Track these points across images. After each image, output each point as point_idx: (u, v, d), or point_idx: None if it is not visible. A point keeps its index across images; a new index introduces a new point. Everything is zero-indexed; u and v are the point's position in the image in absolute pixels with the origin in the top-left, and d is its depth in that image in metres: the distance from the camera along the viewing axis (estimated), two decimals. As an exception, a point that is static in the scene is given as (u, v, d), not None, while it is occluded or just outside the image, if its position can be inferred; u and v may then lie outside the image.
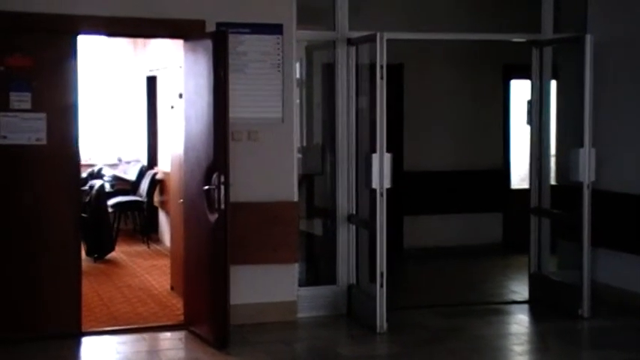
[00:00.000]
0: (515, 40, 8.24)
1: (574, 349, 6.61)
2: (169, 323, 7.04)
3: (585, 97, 7.11)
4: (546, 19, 7.85)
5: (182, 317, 7.00)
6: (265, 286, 7.04)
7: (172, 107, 8.17)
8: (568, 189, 7.51)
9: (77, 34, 6.58)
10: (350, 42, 7.30)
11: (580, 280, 7.18)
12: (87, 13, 6.52)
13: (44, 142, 6.48)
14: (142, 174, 11.41)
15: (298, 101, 7.39)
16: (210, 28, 6.74)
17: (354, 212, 7.36)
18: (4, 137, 6.40)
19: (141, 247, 10.78)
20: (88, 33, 6.97)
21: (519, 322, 7.38)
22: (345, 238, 7.38)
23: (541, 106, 7.85)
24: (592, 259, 7.25)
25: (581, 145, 7.14)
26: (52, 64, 6.52)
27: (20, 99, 6.41)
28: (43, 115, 6.47)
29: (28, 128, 6.43)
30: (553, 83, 8.13)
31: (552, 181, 8.14)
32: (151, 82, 11.24)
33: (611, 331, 6.93)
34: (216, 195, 6.26)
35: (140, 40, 11.49)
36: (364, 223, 7.24)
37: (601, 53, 7.31)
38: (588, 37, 7.14)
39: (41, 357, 6.14)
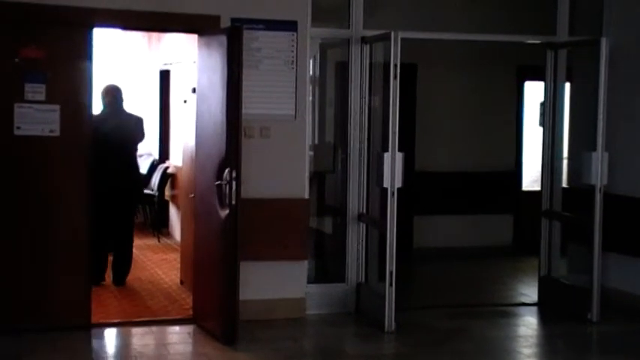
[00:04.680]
0: (529, 41, 8.19)
1: (582, 353, 6.58)
2: (178, 317, 7.05)
3: (599, 100, 7.09)
4: (561, 21, 7.82)
5: (191, 312, 7.02)
6: (274, 282, 7.05)
7: (185, 102, 8.17)
8: (580, 192, 7.50)
9: (92, 27, 6.60)
10: (364, 40, 7.29)
11: (590, 284, 7.16)
12: (102, 6, 6.53)
13: (57, 133, 6.50)
14: (153, 168, 11.41)
15: (311, 99, 7.39)
16: (225, 23, 6.75)
17: (365, 211, 7.36)
18: (18, 128, 6.43)
19: (151, 241, 10.80)
20: (104, 26, 6.99)
21: (528, 324, 7.36)
22: (355, 236, 7.37)
23: (554, 108, 7.83)
24: (602, 263, 7.22)
25: (594, 149, 7.12)
26: (66, 56, 6.54)
27: (35, 90, 6.43)
28: (57, 106, 6.48)
29: (41, 119, 6.45)
30: (567, 85, 8.11)
31: (564, 184, 8.12)
32: (164, 76, 11.26)
33: (620, 336, 6.91)
34: (227, 190, 6.25)
35: (154, 34, 11.50)
36: (374, 221, 7.24)
37: (616, 56, 7.28)
38: (604, 40, 7.11)
39: (50, 349, 6.15)
